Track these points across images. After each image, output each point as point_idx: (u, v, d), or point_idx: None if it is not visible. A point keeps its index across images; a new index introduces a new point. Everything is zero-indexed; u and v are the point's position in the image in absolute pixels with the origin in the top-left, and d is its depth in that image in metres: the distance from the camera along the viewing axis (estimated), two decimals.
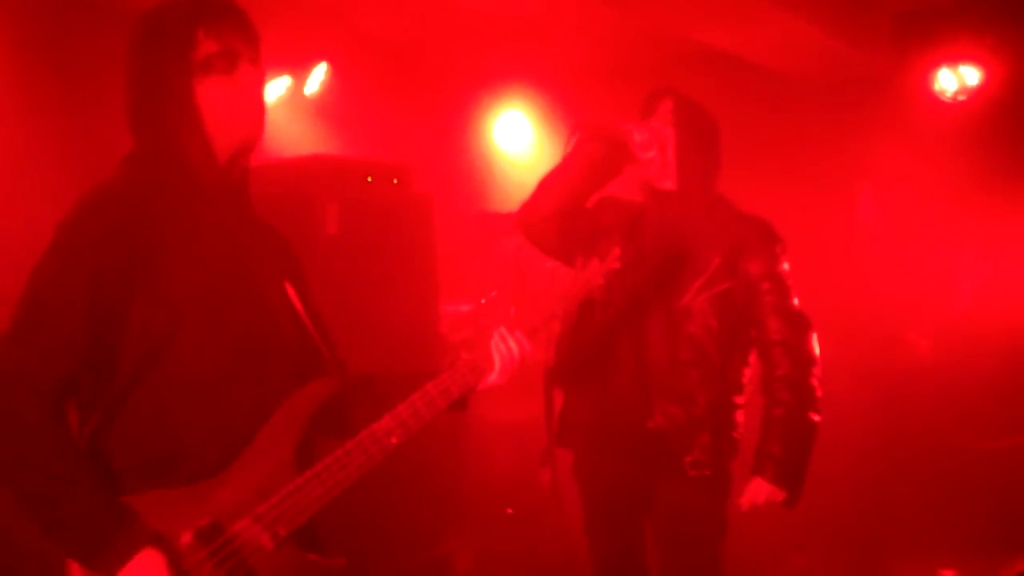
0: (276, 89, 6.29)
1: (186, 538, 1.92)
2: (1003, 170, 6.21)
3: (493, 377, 2.26)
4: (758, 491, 3.27)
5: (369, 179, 5.46)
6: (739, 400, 3.40)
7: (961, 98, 6.58)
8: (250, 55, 2.10)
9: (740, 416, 3.41)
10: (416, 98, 6.85)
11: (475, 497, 5.74)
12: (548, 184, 3.47)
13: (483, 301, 8.02)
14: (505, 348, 2.27)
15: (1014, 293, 6.06)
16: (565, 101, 7.76)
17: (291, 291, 2.18)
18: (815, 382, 3.32)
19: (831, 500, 5.15)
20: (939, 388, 6.19)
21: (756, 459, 3.30)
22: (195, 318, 2.00)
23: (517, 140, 7.94)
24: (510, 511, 5.77)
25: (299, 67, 6.37)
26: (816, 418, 3.30)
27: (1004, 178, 6.15)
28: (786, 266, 3.39)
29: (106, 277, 1.93)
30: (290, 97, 6.34)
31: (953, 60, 6.57)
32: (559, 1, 6.31)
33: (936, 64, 6.64)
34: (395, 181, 5.52)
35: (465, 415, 2.35)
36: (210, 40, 2.05)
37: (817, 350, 3.36)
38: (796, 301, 3.38)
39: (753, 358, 3.43)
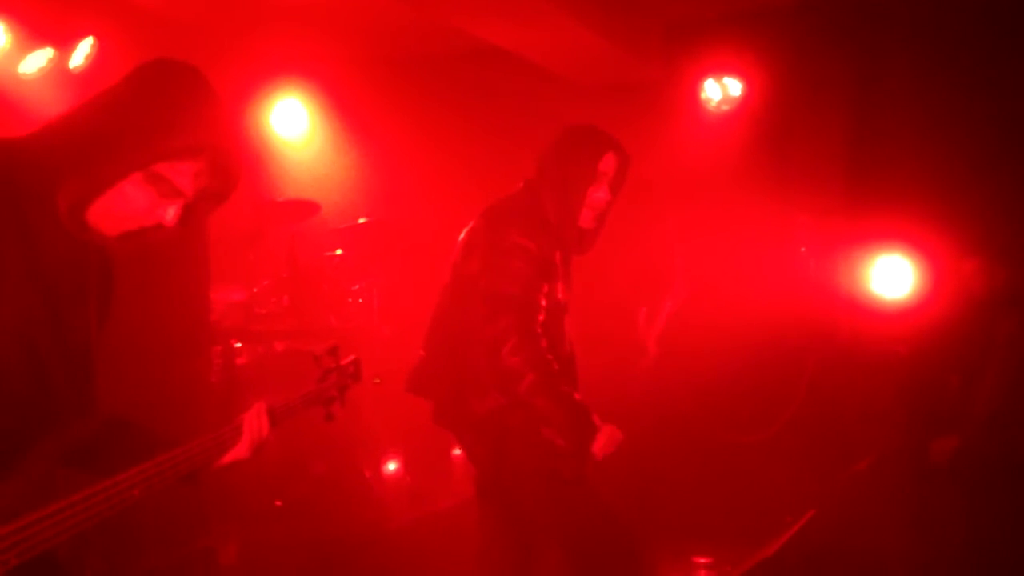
0: (37, 61, 5.99)
1: None
2: (758, 174, 6.58)
3: (242, 451, 2.39)
4: None
5: None
6: None
7: (725, 107, 6.94)
8: None
9: None
10: None
11: (244, 489, 5.61)
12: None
13: (255, 290, 7.82)
14: (256, 425, 2.40)
15: (763, 291, 6.39)
16: (341, 89, 7.71)
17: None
18: None
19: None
20: (692, 383, 6.48)
21: None
22: None
23: (293, 126, 7.83)
24: (278, 503, 5.68)
25: (64, 40, 6.07)
26: None
27: (758, 180, 6.52)
28: None
29: None
30: (53, 70, 6.04)
31: (718, 72, 6.92)
32: None
33: (703, 74, 6.98)
34: None
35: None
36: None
37: None
38: None
39: None
